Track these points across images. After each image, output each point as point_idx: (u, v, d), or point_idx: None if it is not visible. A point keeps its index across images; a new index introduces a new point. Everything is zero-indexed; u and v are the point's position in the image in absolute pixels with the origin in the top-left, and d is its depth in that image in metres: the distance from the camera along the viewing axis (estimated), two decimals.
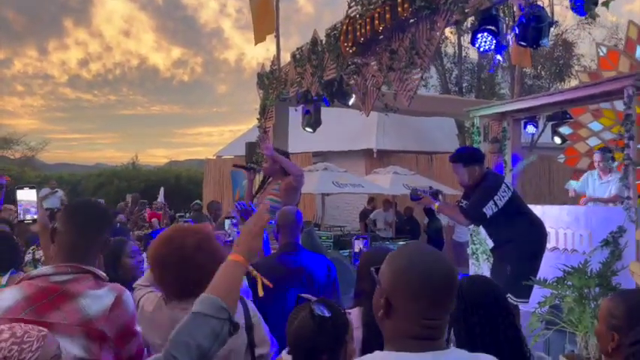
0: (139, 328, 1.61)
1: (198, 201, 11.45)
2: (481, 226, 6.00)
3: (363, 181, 10.09)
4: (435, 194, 3.97)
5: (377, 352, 1.23)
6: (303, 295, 1.82)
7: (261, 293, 1.77)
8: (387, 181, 10.06)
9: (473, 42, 3.93)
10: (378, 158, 12.93)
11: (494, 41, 3.73)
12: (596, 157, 5.87)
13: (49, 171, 26.05)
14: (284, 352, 1.93)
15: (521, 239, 3.68)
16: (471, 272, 6.58)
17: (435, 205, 3.98)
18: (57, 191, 13.15)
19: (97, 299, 1.50)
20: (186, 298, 1.69)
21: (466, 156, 3.81)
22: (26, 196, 2.82)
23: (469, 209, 3.78)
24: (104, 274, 1.62)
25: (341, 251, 7.92)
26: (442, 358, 1.16)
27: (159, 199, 4.77)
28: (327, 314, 1.70)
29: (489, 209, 3.59)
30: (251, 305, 2.00)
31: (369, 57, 5.27)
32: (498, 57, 4.13)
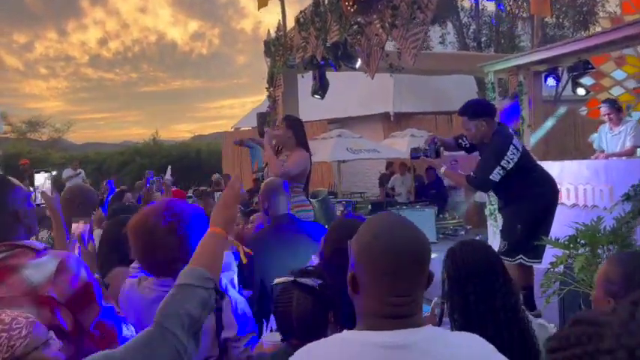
0: (101, 299, 1.57)
1: (217, 175, 11.49)
2: None
3: (378, 146, 9.91)
4: (437, 151, 3.74)
5: (343, 332, 1.16)
6: (278, 280, 1.74)
7: (244, 260, 1.76)
8: (404, 145, 9.85)
9: None
10: (395, 122, 12.66)
11: None
12: (603, 109, 5.58)
13: (78, 151, 26.61)
14: (269, 334, 1.89)
15: (530, 197, 3.50)
16: (490, 233, 6.45)
17: (441, 170, 3.80)
18: (80, 172, 13.43)
19: (39, 267, 1.48)
20: (164, 277, 1.67)
21: (473, 108, 3.58)
22: (43, 179, 2.83)
23: (476, 177, 3.58)
24: (40, 244, 1.59)
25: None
26: (411, 337, 1.07)
27: (166, 177, 4.73)
28: (316, 283, 1.67)
29: (497, 174, 3.40)
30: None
31: (371, 15, 5.05)
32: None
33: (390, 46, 5.41)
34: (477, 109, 3.57)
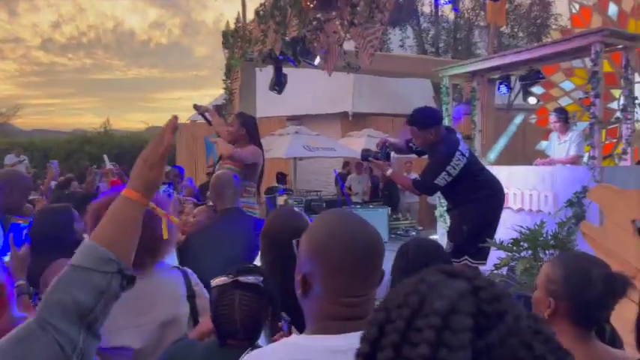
0: (14, 306, 1.45)
1: (168, 167, 11.19)
2: None
3: (335, 145, 9.92)
4: (388, 154, 3.77)
5: (292, 337, 1.10)
6: (216, 282, 1.63)
7: (165, 236, 1.62)
8: (360, 144, 9.89)
9: None
10: (353, 121, 12.72)
11: None
12: (551, 118, 5.80)
13: (24, 137, 25.34)
14: None
15: (476, 200, 3.58)
16: (439, 234, 6.56)
17: (388, 172, 3.81)
18: (24, 159, 12.80)
19: None
20: None
21: (421, 120, 3.63)
22: None
23: (421, 181, 3.67)
24: None
25: (313, 216, 7.82)
26: None
27: (107, 166, 4.55)
28: (258, 280, 1.59)
29: (442, 179, 3.48)
30: (191, 274, 1.94)
31: (330, 12, 5.03)
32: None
33: (348, 46, 5.41)
34: (426, 119, 3.63)
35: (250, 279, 1.60)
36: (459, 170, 3.46)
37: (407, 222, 9.48)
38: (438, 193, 6.26)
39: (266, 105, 8.52)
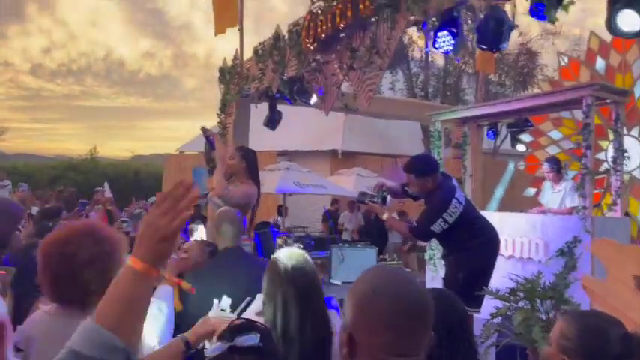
0: (11, 348, 1.38)
1: (154, 198, 11.06)
2: None
3: (325, 182, 9.94)
4: (384, 198, 3.77)
5: None
6: (211, 352, 1.46)
7: (179, 307, 1.56)
8: (350, 183, 9.94)
9: (434, 42, 3.82)
10: (343, 159, 12.82)
11: (453, 42, 3.63)
12: (544, 167, 5.92)
13: (6, 162, 24.96)
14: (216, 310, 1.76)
15: (472, 247, 3.59)
16: (428, 278, 6.52)
17: (384, 216, 3.80)
18: (7, 184, 12.55)
19: None
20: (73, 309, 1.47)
21: (419, 168, 3.67)
22: None
23: (417, 228, 3.68)
24: None
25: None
26: None
27: (106, 194, 4.48)
28: (257, 339, 1.42)
29: (438, 226, 3.49)
30: None
31: (330, 55, 5.12)
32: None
33: (345, 86, 5.49)
34: (424, 168, 3.66)
35: (248, 341, 1.44)
36: (455, 218, 3.47)
37: (394, 263, 9.42)
38: None
39: (256, 139, 8.54)
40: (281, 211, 10.25)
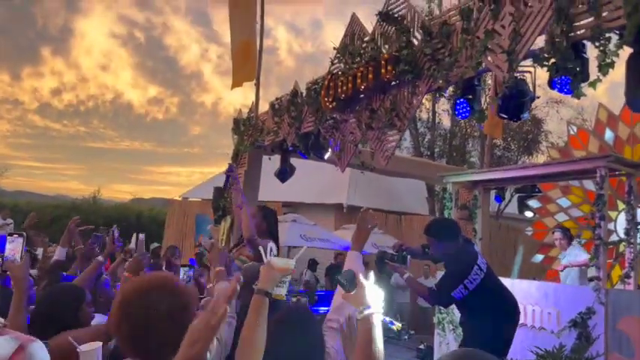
0: None
1: (156, 243, 10.98)
2: None
3: (332, 236, 9.90)
4: (404, 258, 3.72)
5: None
6: None
7: None
8: None
9: (456, 110, 3.93)
10: (348, 213, 12.81)
11: (469, 108, 3.77)
12: (557, 234, 6.09)
13: (7, 198, 24.93)
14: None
15: (493, 316, 3.51)
16: (436, 343, 6.36)
17: (405, 276, 3.74)
18: (10, 222, 12.47)
19: None
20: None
21: (441, 233, 3.66)
22: None
23: (437, 293, 3.61)
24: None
25: None
26: None
27: (131, 245, 4.44)
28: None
29: (458, 293, 3.44)
30: None
31: (348, 114, 5.24)
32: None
33: (361, 144, 5.59)
34: (446, 232, 3.65)
35: None
36: (476, 285, 3.42)
37: (398, 324, 9.23)
38: None
39: (263, 189, 8.58)
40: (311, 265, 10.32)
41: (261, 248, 2.01)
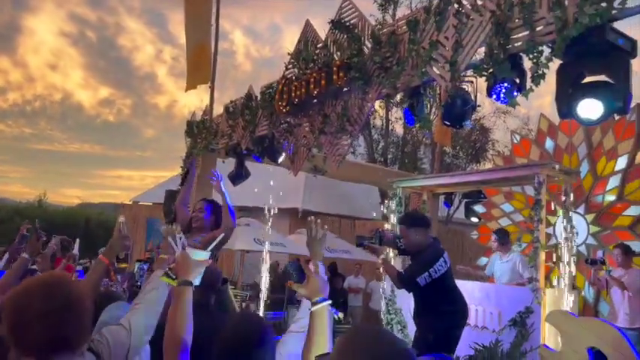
0: None
1: (104, 249, 10.69)
2: (397, 295, 6.05)
3: (285, 240, 9.93)
4: (381, 239, 4.09)
5: None
6: None
7: None
8: None
9: (405, 117, 4.14)
10: (302, 218, 12.89)
11: (413, 115, 4.05)
12: (493, 237, 6.33)
13: None
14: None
15: (446, 313, 3.79)
16: None
17: (381, 256, 4.17)
18: None
19: None
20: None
21: (410, 219, 4.08)
22: None
23: (405, 275, 3.95)
24: None
25: None
26: None
27: (74, 251, 4.35)
28: None
29: (423, 279, 3.75)
30: None
31: (301, 118, 5.31)
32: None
33: (314, 148, 5.67)
34: (414, 219, 4.09)
35: None
36: (439, 275, 3.73)
37: (349, 326, 9.36)
38: (387, 299, 6.36)
39: (217, 193, 8.54)
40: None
41: (169, 239, 2.04)
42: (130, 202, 17.39)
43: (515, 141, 7.87)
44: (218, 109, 7.42)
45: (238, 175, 7.20)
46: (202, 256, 1.92)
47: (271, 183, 8.86)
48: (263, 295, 7.98)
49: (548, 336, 4.51)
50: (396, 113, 14.60)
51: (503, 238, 6.20)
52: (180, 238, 2.04)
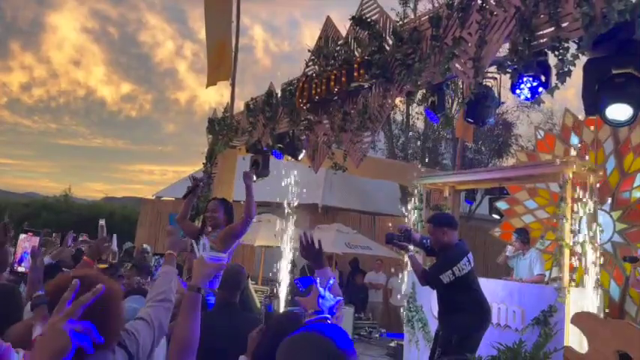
0: None
1: (130, 243, 10.87)
2: (418, 292, 6.02)
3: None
4: (409, 236, 4.16)
5: None
6: None
7: None
8: (330, 238, 9.97)
9: (428, 114, 4.13)
10: (322, 213, 12.90)
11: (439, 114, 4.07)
12: (513, 236, 6.37)
13: None
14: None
15: (468, 312, 3.80)
16: (405, 340, 6.49)
17: (408, 253, 4.27)
18: None
19: None
20: None
21: (437, 219, 4.16)
22: None
23: (429, 272, 4.04)
24: None
25: None
26: None
27: (112, 247, 4.37)
28: None
29: (446, 277, 3.81)
30: None
31: (322, 115, 5.31)
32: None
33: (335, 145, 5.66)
34: (442, 219, 4.17)
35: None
36: (463, 274, 3.76)
37: (369, 322, 9.37)
38: (408, 297, 6.33)
39: (238, 189, 8.60)
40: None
41: (194, 243, 2.05)
42: (153, 198, 17.63)
43: (540, 137, 7.71)
44: (238, 104, 7.46)
45: (261, 173, 7.24)
46: (219, 260, 1.92)
47: (296, 178, 8.86)
48: (282, 291, 8.01)
49: (572, 336, 4.44)
50: (417, 108, 14.44)
51: (524, 236, 6.25)
52: (204, 243, 2.06)
